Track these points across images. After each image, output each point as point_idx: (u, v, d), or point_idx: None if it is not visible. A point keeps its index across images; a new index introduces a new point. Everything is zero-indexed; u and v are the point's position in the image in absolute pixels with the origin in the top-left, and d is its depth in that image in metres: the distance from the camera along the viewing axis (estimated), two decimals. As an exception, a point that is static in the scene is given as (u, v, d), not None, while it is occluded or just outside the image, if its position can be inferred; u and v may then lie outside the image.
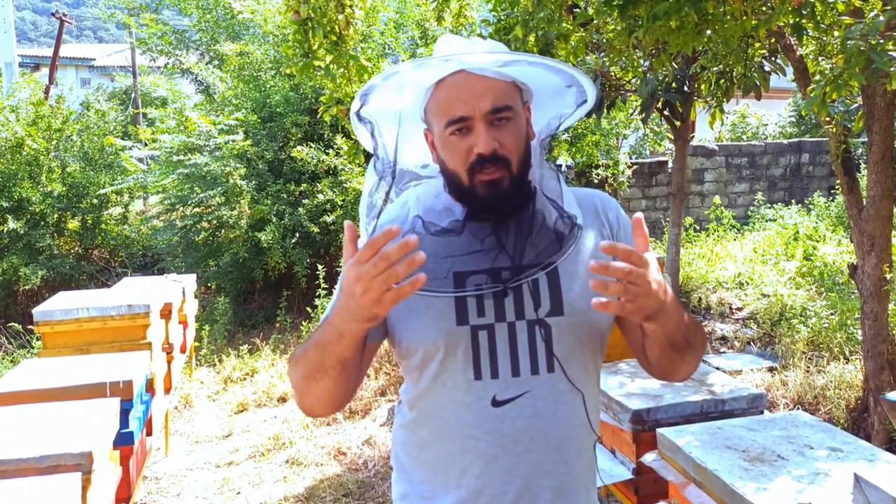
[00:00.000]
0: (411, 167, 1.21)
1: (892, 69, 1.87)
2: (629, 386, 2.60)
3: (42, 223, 7.33)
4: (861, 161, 8.35)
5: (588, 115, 1.27)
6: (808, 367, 4.28)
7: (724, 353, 5.00)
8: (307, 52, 3.18)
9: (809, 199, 9.07)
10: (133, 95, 16.04)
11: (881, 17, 1.98)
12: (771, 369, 4.46)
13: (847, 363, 4.20)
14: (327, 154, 6.41)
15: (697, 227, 8.65)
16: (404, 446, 1.18)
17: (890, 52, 1.90)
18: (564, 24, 2.80)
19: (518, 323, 1.08)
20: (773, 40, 3.41)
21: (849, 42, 1.89)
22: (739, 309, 5.74)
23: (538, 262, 1.07)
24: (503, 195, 1.06)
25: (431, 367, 1.11)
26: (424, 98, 1.10)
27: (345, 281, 0.93)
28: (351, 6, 3.23)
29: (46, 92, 10.37)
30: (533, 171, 1.12)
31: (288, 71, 3.59)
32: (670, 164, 9.00)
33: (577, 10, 3.07)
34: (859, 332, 3.77)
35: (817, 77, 2.02)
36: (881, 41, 1.91)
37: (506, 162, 1.05)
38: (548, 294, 1.09)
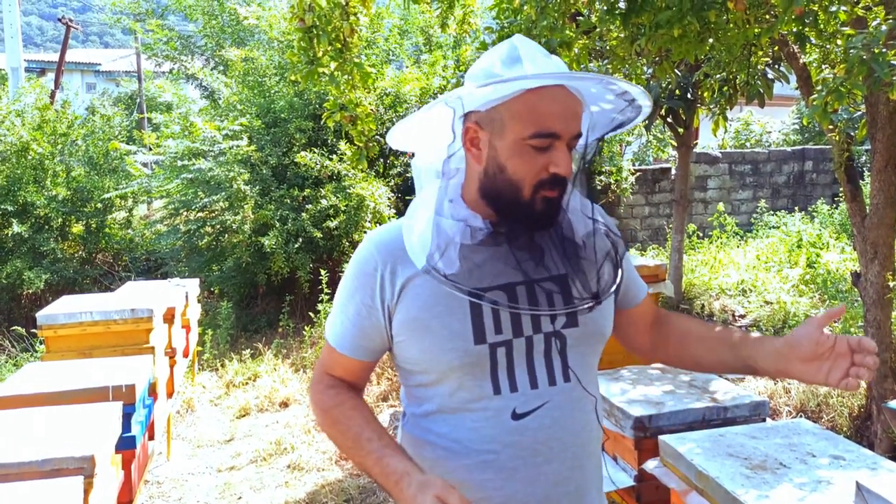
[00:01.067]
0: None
1: (894, 78, 1.87)
2: (631, 393, 2.59)
3: (46, 227, 7.36)
4: (864, 169, 8.35)
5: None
6: (811, 374, 4.26)
7: (727, 360, 4.99)
8: (312, 59, 3.19)
9: (813, 206, 9.07)
10: (138, 100, 16.12)
11: (883, 27, 1.98)
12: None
13: (850, 371, 4.18)
14: (331, 159, 6.43)
15: (700, 234, 8.65)
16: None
17: (892, 62, 1.90)
18: (567, 32, 2.81)
19: (535, 336, 1.08)
20: (776, 48, 3.42)
21: (851, 51, 1.90)
22: (742, 316, 5.73)
23: (602, 279, 1.11)
24: (554, 213, 1.08)
25: (446, 385, 1.10)
26: (502, 97, 1.04)
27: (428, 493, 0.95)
28: (356, 13, 3.24)
29: (52, 96, 10.43)
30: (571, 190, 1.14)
31: (293, 78, 3.60)
32: (673, 171, 9.00)
33: (580, 18, 3.08)
34: (862, 340, 3.75)
35: (819, 87, 2.02)
36: (884, 50, 1.91)
37: (566, 184, 1.08)
38: (563, 306, 1.09)
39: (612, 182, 8.88)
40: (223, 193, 6.30)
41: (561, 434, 1.09)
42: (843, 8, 2.37)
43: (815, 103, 1.97)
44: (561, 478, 1.09)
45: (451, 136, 1.09)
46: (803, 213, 8.98)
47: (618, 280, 1.12)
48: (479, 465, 1.08)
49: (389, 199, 6.67)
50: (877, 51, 1.89)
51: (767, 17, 2.65)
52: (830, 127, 3.16)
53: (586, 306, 1.08)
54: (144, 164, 8.86)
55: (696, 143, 6.90)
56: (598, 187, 8.75)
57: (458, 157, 1.12)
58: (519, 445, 1.07)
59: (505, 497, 1.08)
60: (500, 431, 1.07)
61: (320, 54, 3.19)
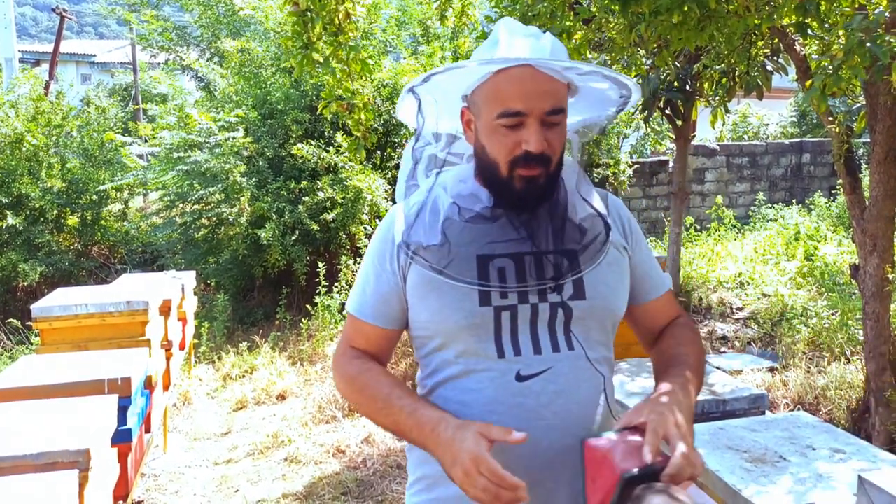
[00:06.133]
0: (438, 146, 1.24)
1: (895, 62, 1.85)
2: (630, 385, 2.59)
3: (41, 219, 7.32)
4: (863, 161, 8.34)
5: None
6: (809, 367, 4.27)
7: (725, 353, 4.99)
8: (306, 43, 3.15)
9: (810, 199, 9.06)
10: (133, 92, 16.03)
11: (883, 10, 1.96)
12: (771, 369, 4.45)
13: (848, 364, 4.19)
14: (328, 151, 6.39)
15: (698, 227, 8.64)
16: None
17: (890, 41, 1.87)
18: (566, 21, 2.78)
19: (541, 305, 1.10)
20: (775, 39, 3.40)
21: (849, 31, 1.87)
22: (740, 309, 5.73)
23: (577, 256, 1.12)
24: (538, 191, 1.10)
25: (452, 349, 1.12)
26: (479, 80, 1.10)
27: (466, 462, 0.98)
28: (351, -2, 3.21)
29: (46, 88, 10.35)
30: (568, 168, 1.16)
31: (287, 64, 3.57)
32: (671, 164, 8.99)
33: (579, 6, 3.05)
34: (860, 332, 3.76)
35: (818, 71, 1.99)
36: (880, 33, 1.89)
37: (548, 161, 1.08)
38: (570, 279, 1.12)
39: (610, 174, 8.86)
40: (219, 185, 6.27)
41: (566, 402, 1.08)
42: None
43: (813, 85, 1.94)
44: (565, 446, 1.08)
45: (420, 121, 1.16)
46: (801, 205, 8.97)
47: (596, 262, 1.13)
48: None
49: (386, 191, 6.64)
50: (876, 34, 1.86)
51: (767, 6, 2.62)
52: (830, 118, 3.14)
53: (549, 286, 1.10)
54: (140, 156, 8.82)
55: (694, 136, 6.87)
56: (596, 180, 8.72)
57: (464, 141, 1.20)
58: (523, 407, 1.07)
59: (505, 460, 1.06)
60: (504, 393, 1.08)
61: (314, 38, 3.15)
